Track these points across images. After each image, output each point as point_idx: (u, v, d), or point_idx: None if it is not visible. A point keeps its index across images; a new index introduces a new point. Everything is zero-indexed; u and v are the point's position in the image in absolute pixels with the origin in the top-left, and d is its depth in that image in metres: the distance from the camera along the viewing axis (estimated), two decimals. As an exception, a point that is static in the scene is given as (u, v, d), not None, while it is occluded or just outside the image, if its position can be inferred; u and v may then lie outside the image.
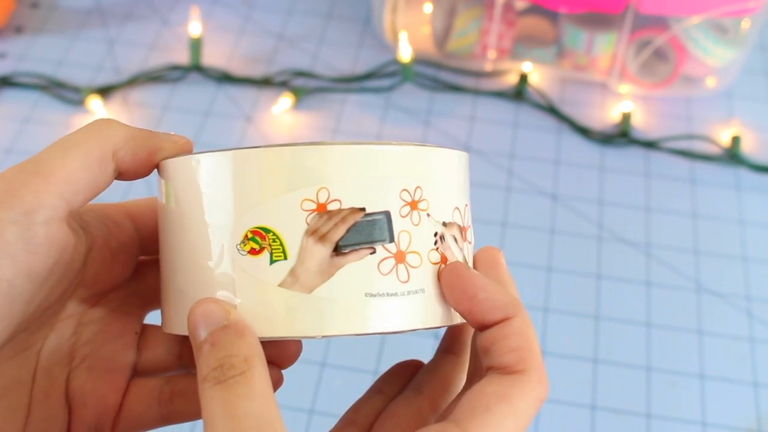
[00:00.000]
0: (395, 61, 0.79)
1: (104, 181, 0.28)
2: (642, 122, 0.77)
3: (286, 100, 0.77)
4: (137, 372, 0.32)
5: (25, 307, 0.27)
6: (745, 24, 0.73)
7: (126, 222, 0.32)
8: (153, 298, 0.33)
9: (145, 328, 0.33)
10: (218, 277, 0.27)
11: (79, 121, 0.75)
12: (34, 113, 0.76)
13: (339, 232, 0.26)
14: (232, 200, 0.26)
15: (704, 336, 0.63)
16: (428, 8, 0.79)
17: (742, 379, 0.61)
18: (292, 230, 0.26)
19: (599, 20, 0.76)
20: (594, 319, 0.64)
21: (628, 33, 0.75)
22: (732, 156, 0.74)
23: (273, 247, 0.26)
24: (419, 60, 0.80)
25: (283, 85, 0.79)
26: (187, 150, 0.30)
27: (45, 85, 0.78)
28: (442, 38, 0.80)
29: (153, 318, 0.33)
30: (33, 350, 0.30)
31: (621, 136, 0.75)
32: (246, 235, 0.26)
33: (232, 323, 0.25)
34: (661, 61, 0.78)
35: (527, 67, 0.79)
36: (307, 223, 0.26)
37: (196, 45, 0.79)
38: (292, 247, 0.26)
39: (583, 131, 0.76)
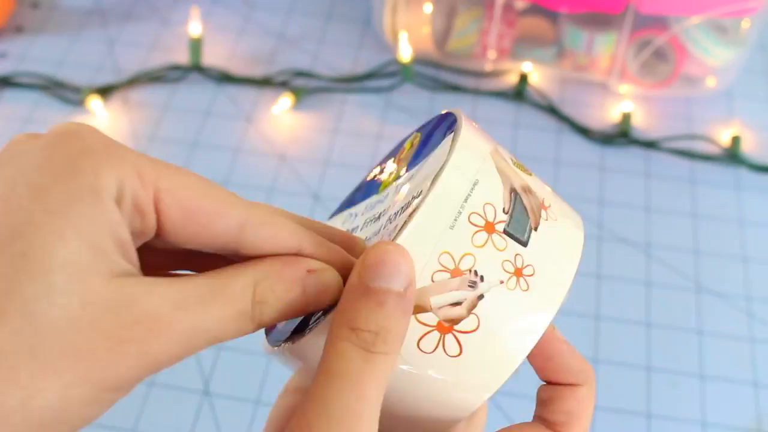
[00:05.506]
0: (395, 61, 0.79)
1: None
2: (642, 122, 0.77)
3: (286, 100, 0.77)
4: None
5: None
6: (745, 24, 0.73)
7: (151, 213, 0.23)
8: None
9: None
10: None
11: (79, 121, 0.75)
12: (34, 113, 0.76)
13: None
14: None
15: (704, 336, 0.63)
16: (428, 8, 0.79)
17: (742, 379, 0.61)
18: None
19: (599, 20, 0.76)
20: (594, 319, 0.63)
21: (628, 33, 0.75)
22: (732, 156, 0.74)
23: None
24: (419, 60, 0.80)
25: (283, 85, 0.79)
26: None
27: (45, 85, 0.78)
28: (442, 38, 0.80)
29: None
30: None
31: (621, 136, 0.75)
32: None
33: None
34: (661, 61, 0.78)
35: (527, 67, 0.79)
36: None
37: (196, 45, 0.79)
38: None
39: (583, 131, 0.76)
